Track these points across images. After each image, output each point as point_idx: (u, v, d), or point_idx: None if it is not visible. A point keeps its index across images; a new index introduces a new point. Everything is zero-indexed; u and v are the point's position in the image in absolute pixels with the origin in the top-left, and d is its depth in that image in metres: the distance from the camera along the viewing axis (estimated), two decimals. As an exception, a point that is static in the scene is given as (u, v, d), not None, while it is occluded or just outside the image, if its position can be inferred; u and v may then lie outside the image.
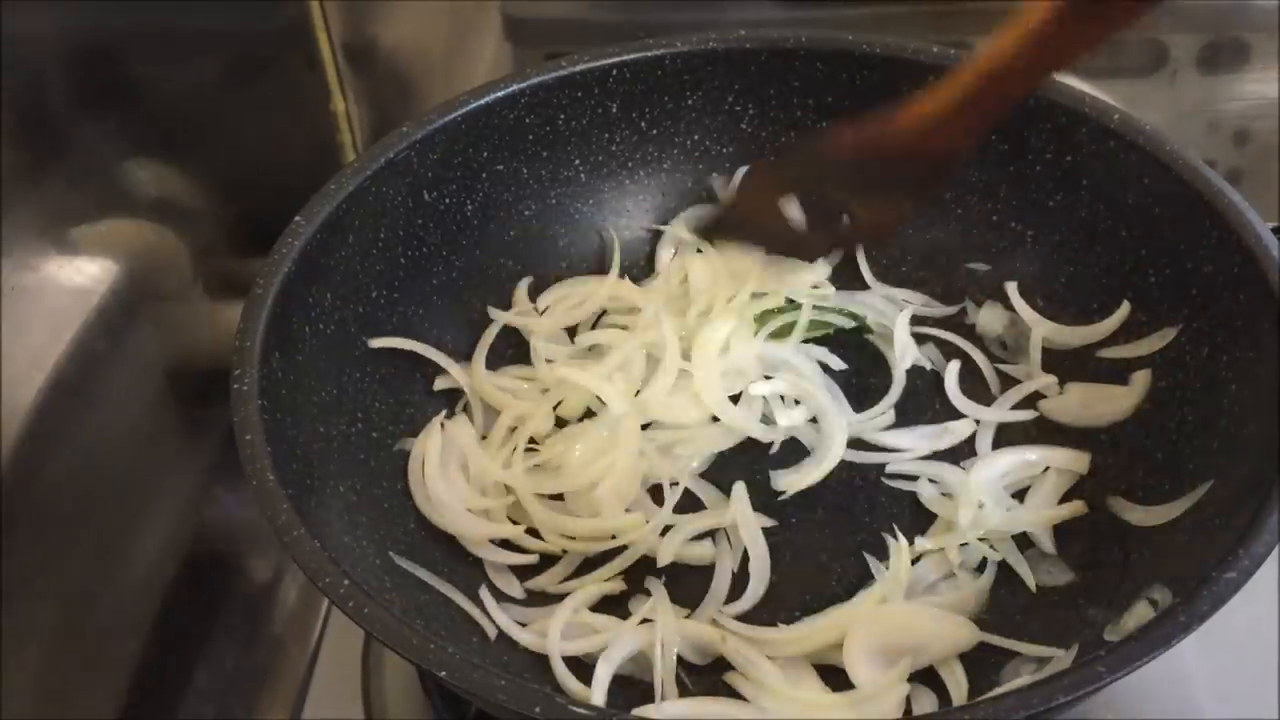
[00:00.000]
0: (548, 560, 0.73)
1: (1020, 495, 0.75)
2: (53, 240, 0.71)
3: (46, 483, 0.68)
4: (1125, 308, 0.78)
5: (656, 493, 0.74)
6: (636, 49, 0.84)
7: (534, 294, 0.86)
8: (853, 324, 0.83)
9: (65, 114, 0.74)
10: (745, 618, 0.69)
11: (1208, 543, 0.61)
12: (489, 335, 0.83)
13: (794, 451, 0.78)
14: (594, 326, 0.85)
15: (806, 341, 0.82)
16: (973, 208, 0.85)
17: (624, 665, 0.67)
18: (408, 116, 0.80)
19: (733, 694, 0.66)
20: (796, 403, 0.79)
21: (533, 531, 0.73)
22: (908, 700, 0.64)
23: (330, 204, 0.73)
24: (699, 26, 0.85)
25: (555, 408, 0.79)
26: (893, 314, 0.83)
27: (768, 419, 0.78)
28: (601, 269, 0.88)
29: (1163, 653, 0.53)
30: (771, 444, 0.77)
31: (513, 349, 0.84)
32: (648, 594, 0.70)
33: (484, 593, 0.70)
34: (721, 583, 0.71)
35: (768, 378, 0.79)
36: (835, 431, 0.76)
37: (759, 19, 1.09)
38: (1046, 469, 0.75)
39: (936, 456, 0.77)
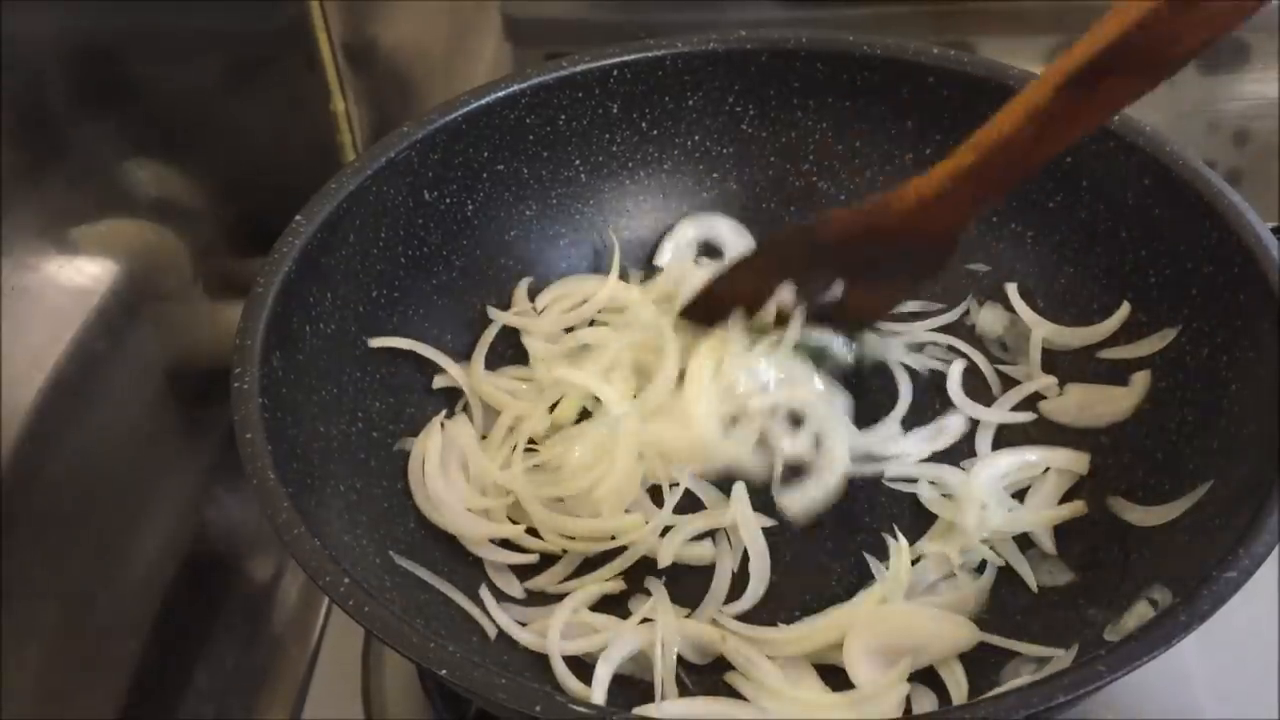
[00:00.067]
0: (548, 560, 0.73)
1: (1020, 495, 0.75)
2: (53, 240, 0.71)
3: (46, 483, 0.68)
4: (1125, 308, 0.78)
5: (656, 493, 0.74)
6: (637, 49, 0.84)
7: (533, 294, 0.86)
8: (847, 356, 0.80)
9: (65, 114, 0.73)
10: (745, 617, 0.69)
11: (1208, 543, 0.61)
12: (488, 335, 0.83)
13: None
14: (591, 326, 0.85)
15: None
16: (973, 208, 0.85)
17: (624, 665, 0.67)
18: (408, 116, 0.80)
19: (733, 694, 0.66)
20: (796, 422, 0.76)
21: (533, 531, 0.73)
22: (908, 700, 0.64)
23: (330, 204, 0.73)
24: (699, 26, 0.85)
25: (551, 409, 0.79)
26: (886, 342, 0.82)
27: (764, 440, 0.75)
28: (601, 269, 0.88)
29: (1163, 653, 0.53)
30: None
31: (512, 349, 0.84)
32: (648, 594, 0.70)
33: (484, 592, 0.70)
34: (721, 582, 0.71)
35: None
36: (837, 447, 0.74)
37: (759, 19, 1.09)
38: (1047, 469, 0.75)
39: (935, 457, 0.77)
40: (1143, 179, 0.76)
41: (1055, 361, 0.81)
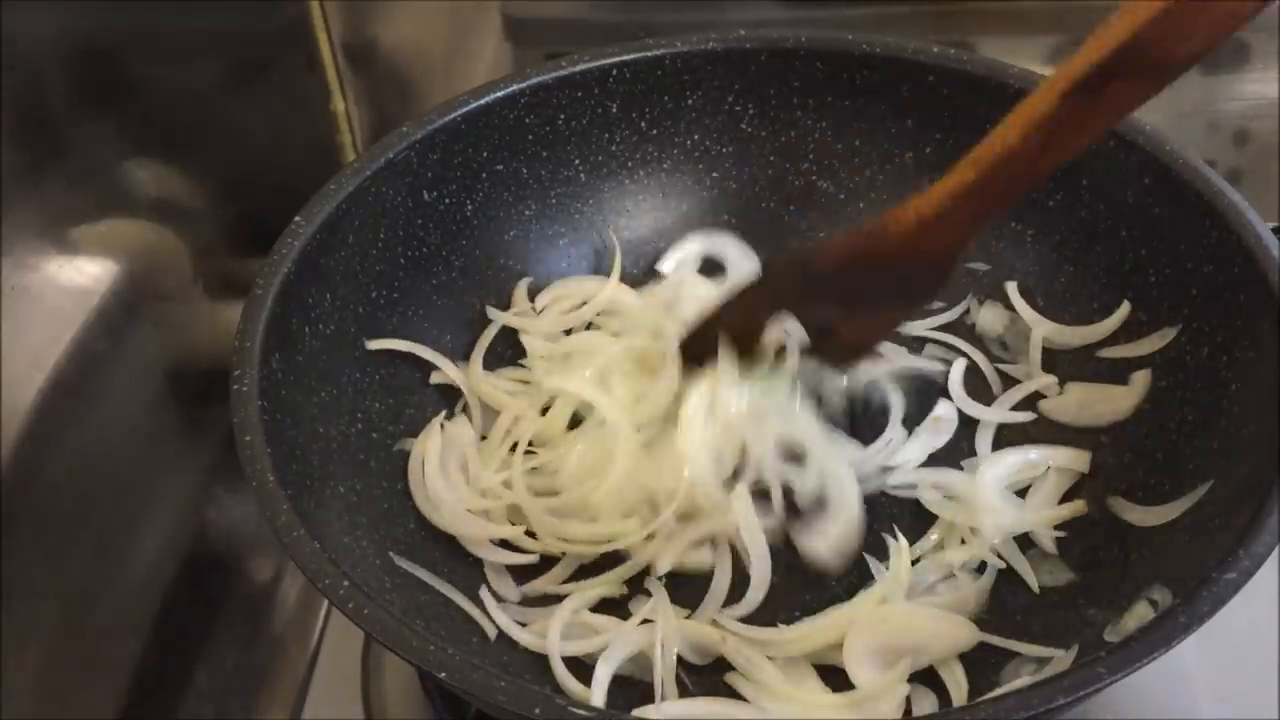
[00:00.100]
0: (548, 561, 0.73)
1: (1020, 495, 0.75)
2: (53, 240, 0.71)
3: (46, 483, 0.68)
4: (1125, 308, 0.78)
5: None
6: (636, 49, 0.84)
7: (533, 294, 0.86)
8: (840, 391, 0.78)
9: (65, 114, 0.73)
10: (746, 618, 0.69)
11: (1208, 543, 0.61)
12: (487, 336, 0.83)
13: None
14: (588, 329, 0.85)
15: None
16: (973, 208, 0.85)
17: (624, 665, 0.67)
18: (408, 116, 0.80)
19: (733, 694, 0.66)
20: (796, 458, 0.74)
21: (532, 533, 0.73)
22: (908, 700, 0.64)
23: (330, 204, 0.73)
24: (699, 26, 0.85)
25: (544, 412, 0.78)
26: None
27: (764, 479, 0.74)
28: (601, 269, 0.88)
29: (1163, 653, 0.53)
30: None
31: (511, 349, 0.83)
32: (648, 594, 0.70)
33: (484, 593, 0.70)
34: (721, 583, 0.71)
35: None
36: (845, 480, 0.73)
37: (759, 19, 1.09)
38: (1047, 469, 0.75)
39: (934, 457, 0.77)
40: (1143, 178, 0.75)
41: (1055, 360, 0.81)
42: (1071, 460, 0.75)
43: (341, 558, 0.60)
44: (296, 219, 0.72)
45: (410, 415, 0.78)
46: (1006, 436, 0.78)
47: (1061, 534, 0.72)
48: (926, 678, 0.66)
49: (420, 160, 0.79)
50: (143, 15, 0.80)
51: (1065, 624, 0.67)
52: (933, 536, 0.73)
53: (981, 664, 0.66)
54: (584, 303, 0.85)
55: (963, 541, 0.72)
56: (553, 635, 0.67)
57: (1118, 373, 0.77)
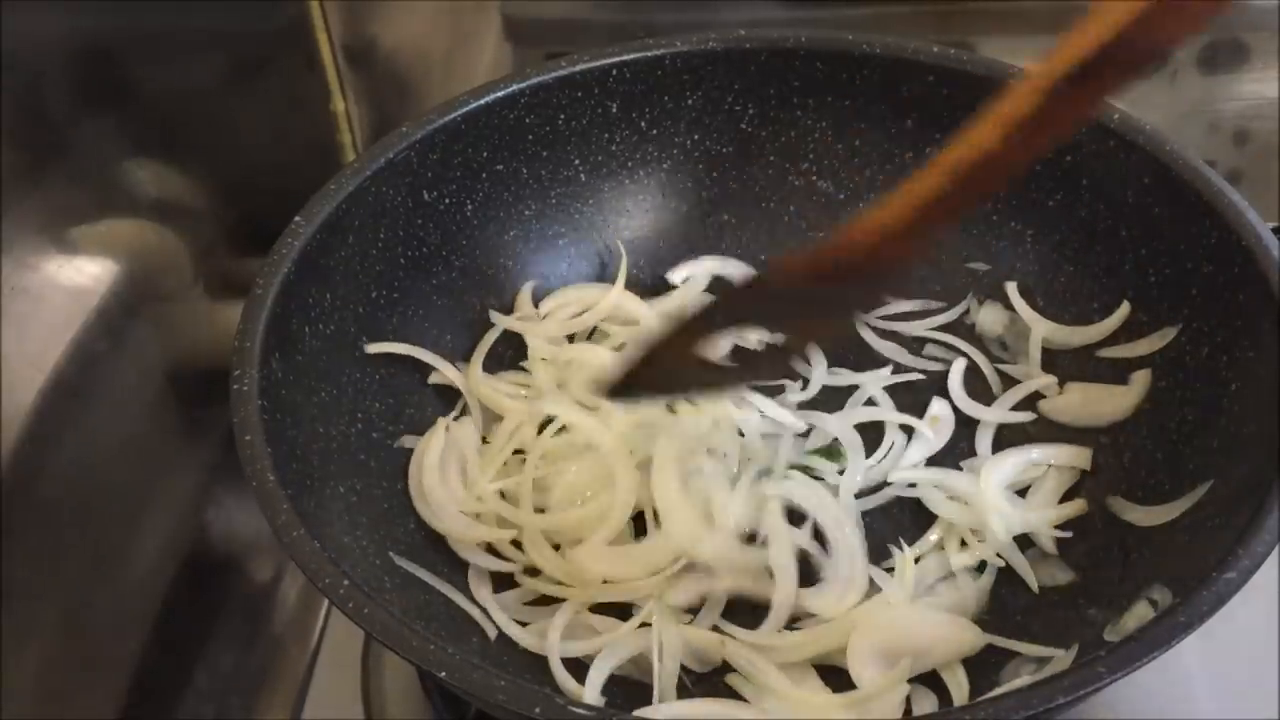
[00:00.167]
0: (530, 571, 0.72)
1: (1020, 495, 0.75)
2: (53, 240, 0.71)
3: (46, 483, 0.68)
4: (1125, 308, 0.78)
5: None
6: (636, 49, 0.84)
7: (537, 299, 0.86)
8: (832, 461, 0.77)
9: (65, 114, 0.74)
10: (746, 619, 0.69)
11: (1208, 543, 0.61)
12: (488, 339, 0.83)
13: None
14: (590, 336, 0.85)
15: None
16: (973, 207, 0.85)
17: (625, 666, 0.67)
18: (408, 116, 0.80)
19: (733, 695, 0.66)
20: (796, 518, 0.73)
21: (519, 543, 0.73)
22: (908, 700, 0.64)
23: (330, 204, 0.73)
24: (699, 26, 0.85)
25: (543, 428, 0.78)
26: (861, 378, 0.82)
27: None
28: (602, 270, 0.88)
29: (1163, 653, 0.53)
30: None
31: (512, 351, 0.83)
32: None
33: (484, 593, 0.71)
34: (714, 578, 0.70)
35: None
36: (849, 537, 0.72)
37: (759, 19, 1.09)
38: (1047, 468, 0.75)
39: (934, 459, 0.77)
40: (1142, 178, 0.75)
41: (1055, 360, 0.81)
42: (1073, 457, 0.75)
43: (341, 557, 0.60)
44: (296, 219, 0.72)
45: (410, 415, 0.78)
46: (1006, 437, 0.78)
47: (1061, 534, 0.72)
48: (927, 678, 0.66)
49: (420, 160, 0.79)
50: (143, 15, 0.80)
51: (1065, 624, 0.67)
52: (932, 537, 0.73)
53: (981, 664, 0.66)
54: (588, 309, 0.85)
55: (963, 542, 0.72)
56: (552, 636, 0.67)
57: (1118, 373, 0.77)
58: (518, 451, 0.77)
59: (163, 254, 0.83)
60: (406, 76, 1.12)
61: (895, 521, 0.74)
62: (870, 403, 0.80)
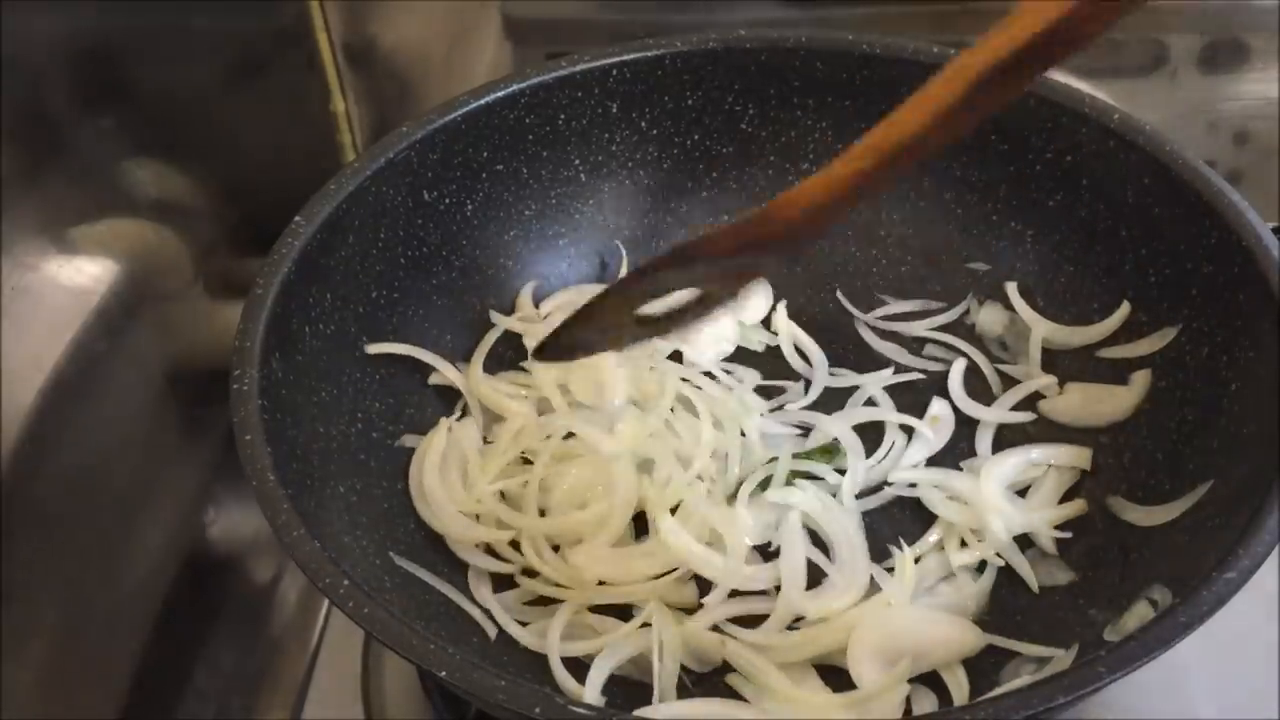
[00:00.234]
0: (528, 573, 0.72)
1: (1020, 495, 0.75)
2: (53, 240, 0.71)
3: (46, 483, 0.68)
4: (1125, 308, 0.78)
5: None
6: (636, 49, 0.84)
7: (538, 300, 0.86)
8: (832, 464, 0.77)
9: (65, 114, 0.73)
10: (747, 620, 0.69)
11: (1208, 543, 0.61)
12: (489, 340, 0.83)
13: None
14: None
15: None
16: (973, 208, 0.85)
17: (625, 666, 0.67)
18: (408, 116, 0.80)
19: (733, 694, 0.66)
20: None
21: (517, 544, 0.73)
22: (908, 700, 0.64)
23: (330, 204, 0.73)
24: (699, 26, 0.85)
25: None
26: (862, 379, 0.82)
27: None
28: (602, 269, 0.88)
29: (1163, 653, 0.53)
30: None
31: (512, 351, 0.83)
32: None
33: (484, 593, 0.71)
34: (721, 592, 0.70)
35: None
36: (851, 547, 0.72)
37: (759, 19, 1.09)
38: (1047, 468, 0.75)
39: (934, 459, 0.77)
40: (1142, 178, 0.75)
41: (1055, 361, 0.81)
42: (1073, 457, 0.75)
43: (341, 557, 0.60)
44: (296, 219, 0.72)
45: (410, 415, 0.78)
46: (1006, 437, 0.78)
47: (1061, 534, 0.72)
48: (927, 677, 0.66)
49: (420, 160, 0.79)
50: (143, 15, 0.80)
51: (1065, 624, 0.67)
52: (932, 537, 0.73)
53: (981, 664, 0.66)
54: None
55: (963, 542, 0.72)
56: (552, 636, 0.67)
57: (1118, 373, 0.77)
58: (524, 459, 0.77)
59: (163, 254, 0.83)
60: (406, 76, 1.12)
61: (895, 521, 0.74)
62: (870, 403, 0.80)
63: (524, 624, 0.69)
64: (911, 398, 0.81)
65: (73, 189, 0.74)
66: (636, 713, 0.63)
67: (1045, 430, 0.78)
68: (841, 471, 0.76)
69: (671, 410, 0.77)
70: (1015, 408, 0.80)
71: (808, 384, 0.82)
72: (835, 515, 0.73)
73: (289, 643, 0.82)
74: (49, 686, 0.68)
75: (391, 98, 1.10)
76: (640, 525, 0.73)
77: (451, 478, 0.75)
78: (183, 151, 0.85)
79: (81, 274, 0.73)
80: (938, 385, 0.81)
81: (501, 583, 0.72)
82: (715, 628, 0.69)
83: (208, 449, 0.84)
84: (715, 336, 0.84)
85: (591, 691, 0.65)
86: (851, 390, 0.81)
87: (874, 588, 0.70)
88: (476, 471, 0.75)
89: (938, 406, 0.80)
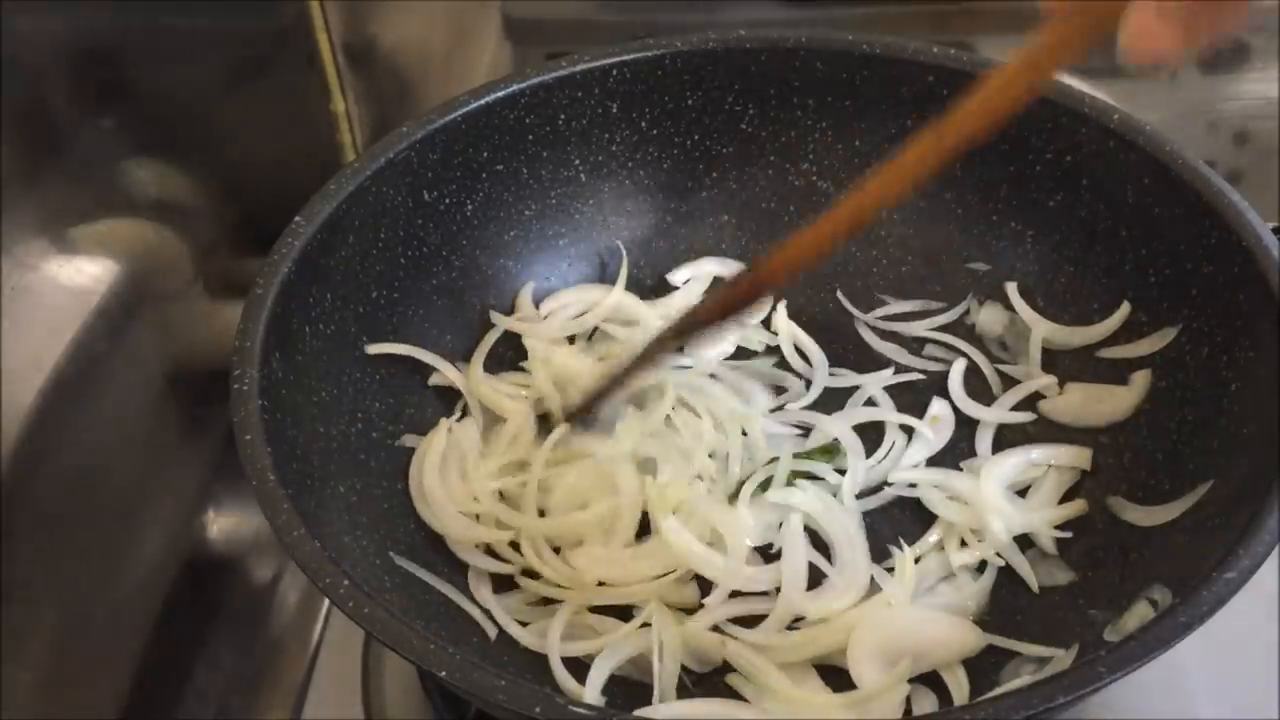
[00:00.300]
0: (529, 574, 0.72)
1: (1020, 495, 0.75)
2: (53, 240, 0.71)
3: (46, 483, 0.68)
4: (1125, 308, 0.78)
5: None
6: (636, 49, 0.84)
7: (538, 300, 0.86)
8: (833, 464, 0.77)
9: (65, 114, 0.73)
10: (748, 620, 0.69)
11: (1208, 543, 0.61)
12: (489, 340, 0.83)
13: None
14: (590, 337, 0.85)
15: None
16: (973, 208, 0.85)
17: (625, 666, 0.67)
18: (408, 116, 0.80)
19: (733, 694, 0.66)
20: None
21: (517, 544, 0.73)
22: (908, 700, 0.64)
23: (330, 204, 0.73)
24: (699, 26, 0.85)
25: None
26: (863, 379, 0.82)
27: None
28: (603, 271, 0.88)
29: (1163, 653, 0.53)
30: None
31: (512, 351, 0.83)
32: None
33: (484, 593, 0.71)
34: (722, 593, 0.70)
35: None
36: (851, 549, 0.72)
37: (759, 19, 1.09)
38: (1047, 468, 0.75)
39: (934, 459, 0.77)
40: (1143, 178, 0.75)
41: (1055, 361, 0.81)
42: (1073, 457, 0.75)
43: (341, 557, 0.60)
44: (297, 219, 0.72)
45: (410, 415, 0.78)
46: (1006, 437, 0.78)
47: (1061, 534, 0.72)
48: (927, 677, 0.66)
49: (420, 160, 0.79)
50: (143, 15, 0.80)
51: (1065, 624, 0.67)
52: (932, 537, 0.73)
53: (981, 664, 0.66)
54: (589, 310, 0.85)
55: (963, 542, 0.72)
56: (553, 636, 0.67)
57: (1118, 373, 0.77)
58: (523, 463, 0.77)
59: (163, 254, 0.83)
60: (406, 76, 1.12)
61: (895, 521, 0.74)
62: (870, 403, 0.80)
63: (524, 624, 0.69)
64: (911, 398, 0.81)
65: (73, 189, 0.74)
66: (636, 713, 0.63)
67: (1045, 430, 0.78)
68: (842, 471, 0.76)
69: (672, 410, 0.77)
70: (1015, 408, 0.80)
71: (808, 384, 0.82)
72: (836, 515, 0.73)
73: (289, 643, 0.82)
74: (49, 686, 0.68)
75: (391, 98, 1.10)
76: (640, 525, 0.73)
77: (451, 478, 0.75)
78: (183, 151, 0.85)
79: (81, 274, 0.73)
80: (938, 385, 0.81)
81: (501, 583, 0.72)
82: (715, 628, 0.68)
83: (208, 449, 0.84)
84: (715, 337, 0.84)
85: (591, 691, 0.65)
86: (851, 390, 0.81)
87: (874, 588, 0.70)
88: (475, 471, 0.75)
89: (938, 406, 0.80)
